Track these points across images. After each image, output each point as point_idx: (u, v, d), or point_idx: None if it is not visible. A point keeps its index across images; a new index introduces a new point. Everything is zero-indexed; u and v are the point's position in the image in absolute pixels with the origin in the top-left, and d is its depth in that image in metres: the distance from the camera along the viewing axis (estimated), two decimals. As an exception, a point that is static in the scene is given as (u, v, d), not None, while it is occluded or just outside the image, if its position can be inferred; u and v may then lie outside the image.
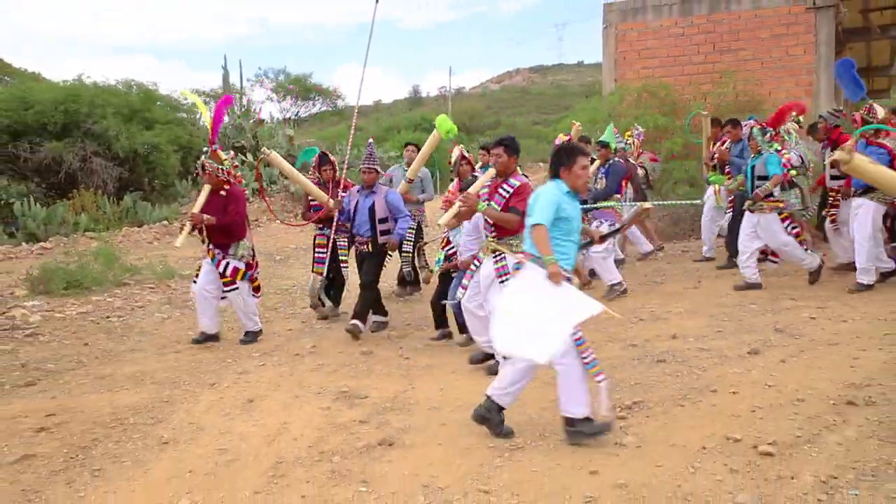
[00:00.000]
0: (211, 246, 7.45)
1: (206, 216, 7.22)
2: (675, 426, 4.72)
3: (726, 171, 9.99)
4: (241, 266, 7.49)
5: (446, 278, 7.11)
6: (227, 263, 7.43)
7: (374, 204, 7.66)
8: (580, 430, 4.53)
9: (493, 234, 5.92)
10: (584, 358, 4.56)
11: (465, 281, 6.27)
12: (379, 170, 8.04)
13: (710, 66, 14.99)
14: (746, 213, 8.48)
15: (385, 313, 8.15)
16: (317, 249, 8.55)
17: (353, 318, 7.52)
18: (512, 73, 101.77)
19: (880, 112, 8.02)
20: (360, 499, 4.00)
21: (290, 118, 31.54)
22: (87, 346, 7.44)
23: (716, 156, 10.22)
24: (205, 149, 7.50)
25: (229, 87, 25.53)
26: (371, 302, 7.74)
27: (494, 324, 4.65)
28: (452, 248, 7.07)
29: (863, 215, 7.80)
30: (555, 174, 4.78)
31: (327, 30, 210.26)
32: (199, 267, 7.58)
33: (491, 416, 4.71)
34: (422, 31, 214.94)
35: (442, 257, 7.18)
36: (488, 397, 4.73)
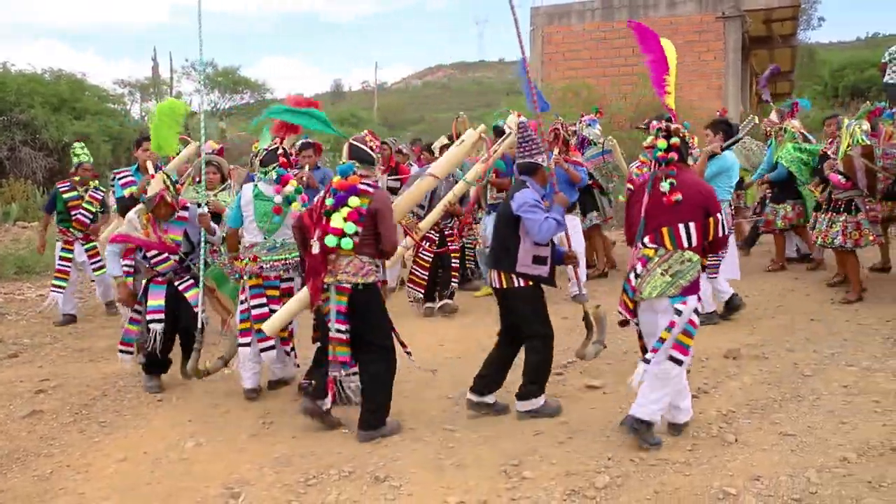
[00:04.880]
0: None
1: None
2: (605, 380, 5.57)
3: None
4: None
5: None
6: None
7: None
8: None
9: None
10: None
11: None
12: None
13: (630, 69, 16.08)
14: None
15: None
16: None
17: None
18: (434, 69, 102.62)
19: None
20: (344, 438, 4.71)
21: (220, 110, 31.54)
22: (55, 324, 7.84)
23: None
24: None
25: (159, 78, 25.52)
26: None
27: None
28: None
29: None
30: None
31: (250, 19, 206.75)
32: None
33: None
34: (345, 24, 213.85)
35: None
36: None
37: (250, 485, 4.09)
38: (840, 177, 7.13)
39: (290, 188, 5.40)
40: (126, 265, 5.99)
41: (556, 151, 7.68)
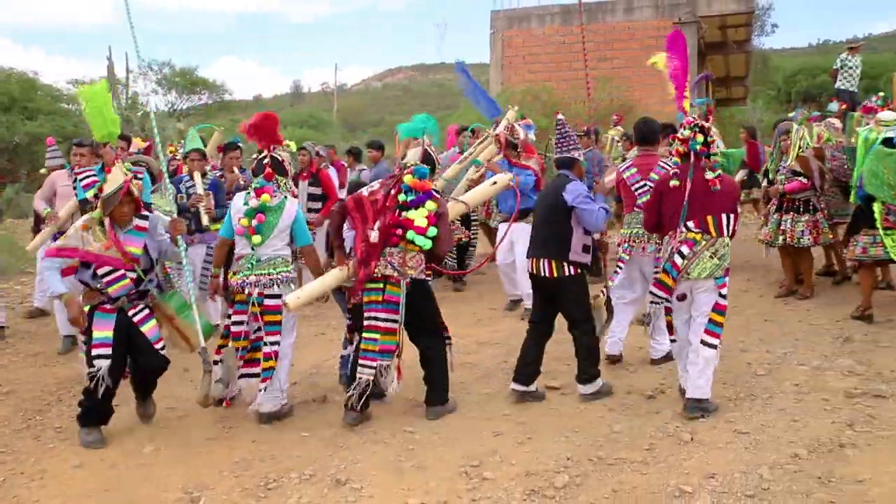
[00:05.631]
0: None
1: None
2: (564, 380, 5.62)
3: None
4: None
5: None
6: None
7: None
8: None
9: None
10: None
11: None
12: None
13: (590, 73, 16.20)
14: None
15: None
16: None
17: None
18: (394, 70, 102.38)
19: (521, 133, 7.82)
20: (304, 441, 4.70)
21: (178, 111, 31.13)
22: (7, 328, 7.66)
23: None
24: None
25: (114, 77, 25.08)
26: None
27: None
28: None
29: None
30: None
31: (208, 17, 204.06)
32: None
33: None
34: (303, 24, 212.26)
35: None
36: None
37: (210, 489, 4.07)
38: (801, 178, 7.34)
39: (255, 202, 4.98)
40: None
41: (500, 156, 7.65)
